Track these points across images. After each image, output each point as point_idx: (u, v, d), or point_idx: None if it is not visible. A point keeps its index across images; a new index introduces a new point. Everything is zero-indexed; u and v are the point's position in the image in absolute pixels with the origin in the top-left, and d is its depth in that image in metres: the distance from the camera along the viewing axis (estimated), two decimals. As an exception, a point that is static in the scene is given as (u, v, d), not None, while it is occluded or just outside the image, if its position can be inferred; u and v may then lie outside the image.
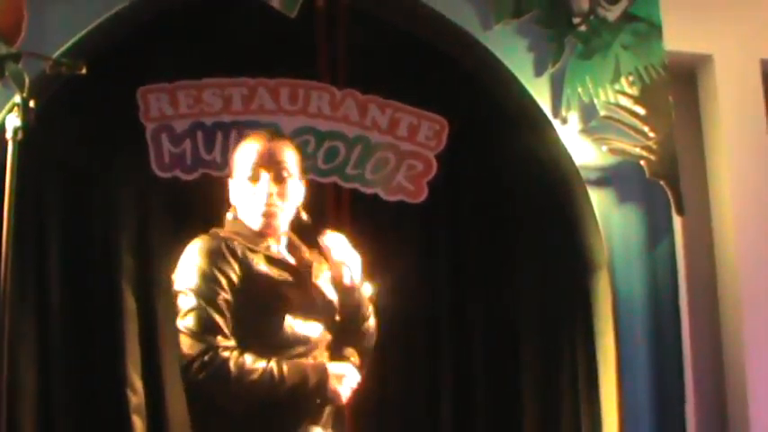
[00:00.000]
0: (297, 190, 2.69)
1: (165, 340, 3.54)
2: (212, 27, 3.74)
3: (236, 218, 2.67)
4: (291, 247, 2.72)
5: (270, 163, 2.62)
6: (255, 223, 2.61)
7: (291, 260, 2.67)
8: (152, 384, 3.56)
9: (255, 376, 2.41)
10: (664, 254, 4.05)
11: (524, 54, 3.97)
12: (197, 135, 3.74)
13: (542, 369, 3.94)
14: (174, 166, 3.72)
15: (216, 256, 2.50)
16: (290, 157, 2.66)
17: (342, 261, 2.64)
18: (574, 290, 3.98)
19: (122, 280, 3.58)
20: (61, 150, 3.56)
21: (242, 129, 3.71)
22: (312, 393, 2.49)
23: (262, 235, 2.62)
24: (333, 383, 2.52)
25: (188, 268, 2.52)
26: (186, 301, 2.48)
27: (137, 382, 3.53)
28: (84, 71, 3.42)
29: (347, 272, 2.64)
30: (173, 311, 2.54)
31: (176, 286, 2.53)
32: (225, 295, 2.46)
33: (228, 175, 2.74)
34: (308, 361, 2.54)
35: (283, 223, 2.66)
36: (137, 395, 3.53)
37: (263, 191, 2.59)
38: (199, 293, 2.46)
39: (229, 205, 2.71)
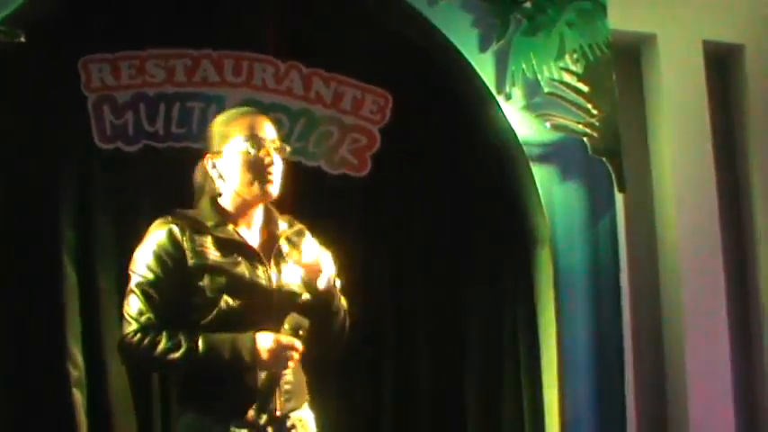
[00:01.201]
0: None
1: (106, 314, 3.52)
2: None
3: (208, 191, 2.73)
4: (268, 223, 2.75)
5: (265, 136, 2.71)
6: (252, 190, 2.67)
7: (251, 240, 2.70)
8: (93, 358, 3.53)
9: (178, 354, 2.50)
10: (605, 230, 4.11)
11: (469, 29, 3.99)
12: (139, 106, 3.70)
13: (485, 344, 3.97)
14: (116, 137, 3.67)
15: (160, 241, 2.60)
16: (273, 133, 2.76)
17: (315, 264, 2.66)
18: (516, 264, 4.01)
19: (63, 252, 3.54)
20: (1, 120, 3.50)
21: (185, 100, 3.69)
22: (239, 361, 2.53)
23: (223, 212, 2.68)
24: (262, 351, 2.54)
25: (140, 252, 2.63)
26: (132, 280, 2.60)
27: (77, 355, 3.50)
28: (22, 39, 3.47)
29: (323, 276, 2.66)
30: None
31: (130, 267, 2.63)
32: (162, 279, 2.57)
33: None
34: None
35: (275, 192, 2.72)
36: (77, 369, 3.49)
37: (265, 162, 2.67)
38: (138, 277, 2.59)
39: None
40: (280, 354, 2.56)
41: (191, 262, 2.58)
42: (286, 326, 2.61)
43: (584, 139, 4.01)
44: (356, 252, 3.76)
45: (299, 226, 2.81)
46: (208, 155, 2.72)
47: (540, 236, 3.99)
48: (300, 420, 2.67)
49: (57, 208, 3.58)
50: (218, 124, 2.75)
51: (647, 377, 4.24)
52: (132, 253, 2.64)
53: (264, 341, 2.54)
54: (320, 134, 3.85)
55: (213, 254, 2.61)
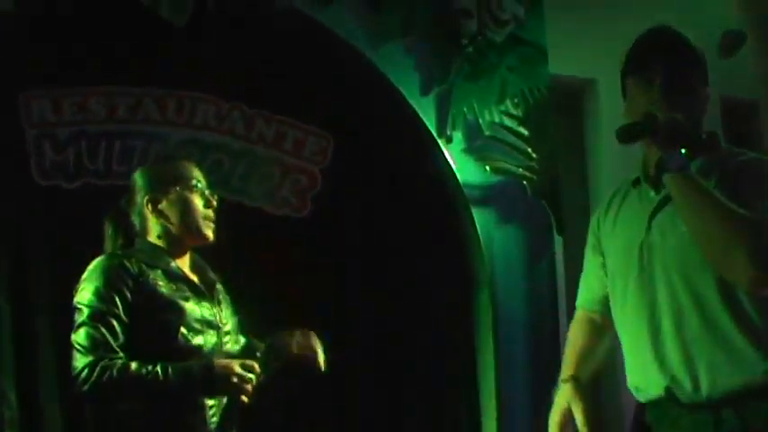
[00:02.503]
0: None
1: (42, 356, 3.46)
2: (98, 33, 3.67)
3: (143, 233, 2.84)
4: (195, 267, 2.89)
5: (202, 182, 2.88)
6: (193, 232, 2.82)
7: (194, 278, 2.83)
8: (27, 400, 3.46)
9: (140, 381, 2.54)
10: (544, 272, 4.15)
11: (411, 73, 4.04)
12: (80, 143, 3.67)
13: (424, 387, 3.96)
14: (56, 173, 3.63)
15: (112, 274, 2.65)
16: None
17: (311, 347, 2.83)
18: (456, 307, 4.01)
19: (-1, 296, 3.49)
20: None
21: (127, 138, 3.67)
22: (200, 388, 2.63)
23: (165, 251, 2.80)
24: (221, 378, 2.62)
25: (85, 285, 2.66)
26: (79, 316, 2.62)
27: (11, 395, 3.44)
28: None
29: (319, 359, 2.84)
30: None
31: (74, 301, 2.66)
32: (117, 311, 2.61)
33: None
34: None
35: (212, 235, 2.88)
36: (11, 409, 3.43)
37: (202, 206, 2.84)
38: (91, 309, 2.60)
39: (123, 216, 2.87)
40: (239, 378, 2.62)
41: (144, 294, 2.64)
42: (240, 346, 2.76)
43: (524, 182, 4.05)
44: (297, 292, 3.78)
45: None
46: (148, 196, 2.82)
47: (479, 278, 4.01)
48: None
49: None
50: (156, 168, 2.91)
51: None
52: (72, 290, 2.66)
53: (223, 366, 2.62)
54: (262, 174, 3.84)
55: (165, 287, 2.69)
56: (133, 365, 2.55)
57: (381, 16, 3.99)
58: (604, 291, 2.66)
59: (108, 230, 2.93)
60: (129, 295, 2.62)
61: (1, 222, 3.54)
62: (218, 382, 2.61)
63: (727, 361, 2.32)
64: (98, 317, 2.59)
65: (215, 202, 2.87)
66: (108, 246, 2.88)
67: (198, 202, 2.83)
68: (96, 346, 2.56)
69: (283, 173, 3.87)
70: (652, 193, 2.48)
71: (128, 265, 2.67)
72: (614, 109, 4.40)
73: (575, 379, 2.70)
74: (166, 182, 2.83)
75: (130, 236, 2.88)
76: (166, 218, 2.80)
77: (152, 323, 2.63)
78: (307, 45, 3.92)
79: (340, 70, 3.96)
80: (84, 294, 2.63)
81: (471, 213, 4.01)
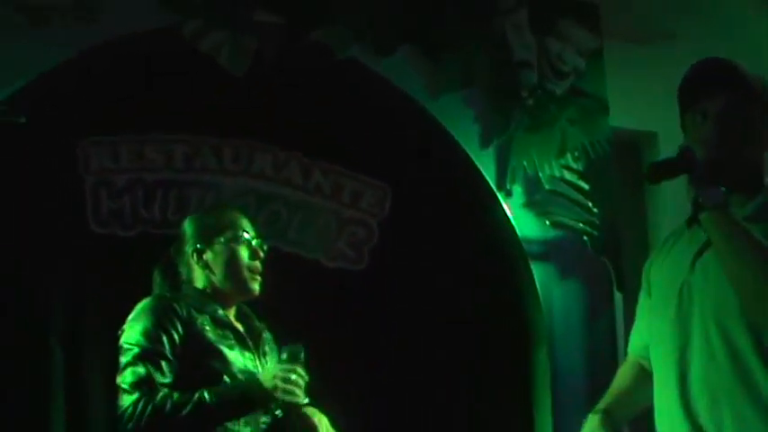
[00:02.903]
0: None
1: (94, 401, 3.42)
2: (157, 81, 3.67)
3: (189, 282, 2.83)
4: (241, 315, 2.87)
5: (250, 232, 2.87)
6: (237, 286, 2.80)
7: (239, 327, 2.80)
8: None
9: (187, 408, 2.51)
10: (604, 329, 4.05)
11: (470, 125, 3.99)
12: (137, 191, 3.66)
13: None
14: (112, 221, 3.62)
15: (160, 313, 2.65)
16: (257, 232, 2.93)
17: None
18: (514, 363, 3.93)
19: (51, 338, 3.45)
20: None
21: (183, 187, 3.65)
22: (250, 402, 2.59)
23: (212, 298, 2.78)
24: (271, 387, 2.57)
25: (132, 324, 2.67)
26: (126, 356, 2.62)
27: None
28: (23, 120, 3.45)
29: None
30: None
31: (120, 341, 2.67)
32: (164, 351, 2.60)
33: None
34: None
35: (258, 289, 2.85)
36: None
37: (248, 258, 2.81)
38: (139, 349, 2.60)
39: (171, 265, 2.89)
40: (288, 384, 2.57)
41: (191, 337, 2.62)
42: (284, 356, 2.64)
43: (585, 237, 3.99)
44: (353, 346, 3.73)
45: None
46: (197, 245, 2.81)
47: (537, 334, 3.93)
48: None
49: (48, 292, 3.50)
50: (203, 218, 2.92)
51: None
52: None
53: (269, 377, 2.58)
54: (318, 226, 3.80)
55: (211, 333, 2.67)
56: (175, 395, 2.53)
57: (440, 67, 3.95)
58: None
59: (156, 278, 2.94)
60: (176, 336, 2.61)
61: (57, 269, 3.53)
62: (259, 391, 2.58)
63: (754, 414, 2.21)
64: (145, 356, 2.57)
65: (263, 254, 2.84)
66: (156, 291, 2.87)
67: (243, 253, 2.81)
68: (141, 384, 2.55)
69: (340, 225, 3.82)
70: (702, 233, 2.35)
71: (176, 306, 2.67)
72: None
73: (605, 412, 2.60)
74: (212, 232, 2.82)
75: (178, 285, 2.87)
76: (211, 270, 2.79)
77: (197, 368, 2.61)
78: (365, 95, 3.90)
79: (398, 121, 3.92)
80: (131, 334, 2.63)
81: (530, 269, 3.94)
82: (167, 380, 2.57)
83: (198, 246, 2.82)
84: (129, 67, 3.66)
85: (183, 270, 2.87)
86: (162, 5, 3.66)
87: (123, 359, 2.62)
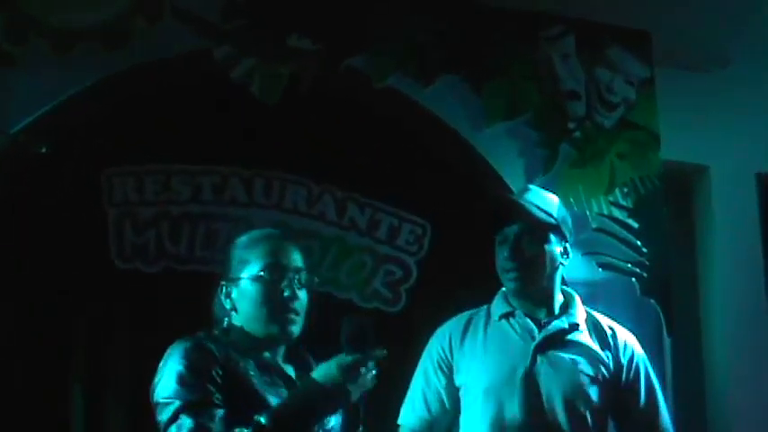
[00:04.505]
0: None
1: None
2: (184, 111, 3.52)
3: (230, 322, 2.43)
4: (293, 354, 2.50)
5: (288, 265, 2.44)
6: (267, 328, 2.39)
7: (290, 369, 2.46)
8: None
9: None
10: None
11: (515, 158, 3.85)
12: (162, 225, 3.50)
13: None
14: (135, 256, 3.46)
15: (194, 359, 2.27)
16: (301, 261, 2.49)
17: None
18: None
19: (72, 380, 3.33)
20: (14, 233, 3.31)
21: (211, 221, 3.49)
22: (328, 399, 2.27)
23: (259, 341, 2.40)
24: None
25: (165, 374, 2.29)
26: (167, 411, 2.24)
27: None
28: (44, 150, 3.31)
29: None
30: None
31: (155, 397, 2.28)
32: (210, 399, 2.22)
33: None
34: None
35: (296, 331, 2.44)
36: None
37: (283, 295, 2.39)
38: (180, 402, 2.22)
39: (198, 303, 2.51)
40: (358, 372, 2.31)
41: (233, 385, 2.26)
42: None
43: (633, 278, 3.81)
44: (388, 391, 3.55)
45: None
46: (222, 281, 2.45)
47: (584, 381, 3.73)
48: None
49: (67, 329, 3.36)
50: (238, 246, 2.49)
51: None
52: (147, 378, 2.33)
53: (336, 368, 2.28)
54: (353, 264, 3.64)
55: (256, 379, 2.32)
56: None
57: (484, 98, 3.81)
58: (436, 414, 2.85)
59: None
60: (218, 381, 2.25)
61: (77, 306, 3.39)
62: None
63: None
64: (188, 407, 2.20)
65: (297, 291, 2.42)
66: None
67: (273, 289, 2.39)
68: None
69: (376, 262, 3.67)
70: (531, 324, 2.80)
71: (212, 348, 2.30)
72: (726, 196, 4.26)
73: None
74: (241, 261, 2.43)
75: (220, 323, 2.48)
76: (234, 308, 2.42)
77: (240, 419, 2.22)
78: (405, 127, 3.75)
79: (439, 154, 3.77)
80: (166, 385, 2.25)
81: (576, 312, 3.73)
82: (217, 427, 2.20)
83: (226, 279, 2.44)
84: (155, 94, 3.54)
85: (215, 309, 2.49)
86: (191, 30, 3.53)
87: (162, 417, 2.25)
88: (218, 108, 3.55)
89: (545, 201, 2.85)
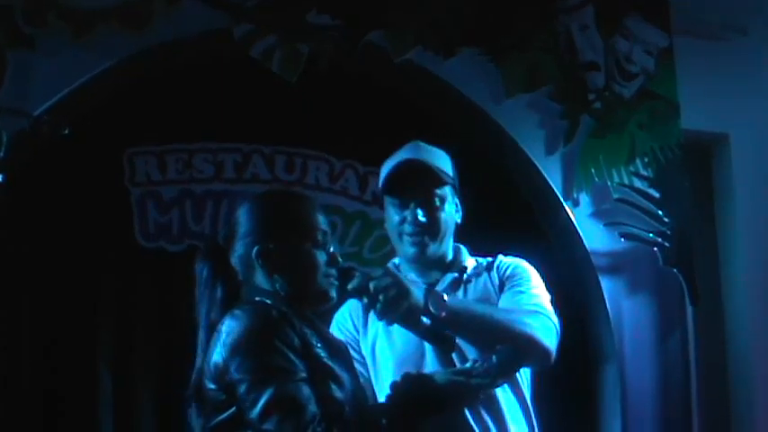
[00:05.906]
0: None
1: (143, 424, 3.36)
2: (204, 90, 3.52)
3: (282, 285, 2.22)
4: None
5: (327, 230, 2.29)
6: (314, 296, 2.22)
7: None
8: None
9: None
10: (675, 345, 3.91)
11: (535, 130, 3.84)
12: (185, 204, 3.52)
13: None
14: (159, 235, 3.48)
15: (272, 327, 2.07)
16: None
17: None
18: (582, 381, 3.76)
19: (99, 359, 3.34)
20: (39, 214, 3.32)
21: (234, 199, 3.47)
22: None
23: (306, 306, 2.24)
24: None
25: (241, 348, 2.05)
26: (255, 390, 2.02)
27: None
28: (66, 131, 3.31)
29: None
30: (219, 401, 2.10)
31: (232, 375, 2.05)
32: (299, 373, 2.04)
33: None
34: None
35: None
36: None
37: (325, 264, 2.23)
38: (270, 376, 2.03)
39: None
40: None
41: (312, 357, 2.08)
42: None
43: (655, 248, 3.80)
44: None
45: None
46: (255, 246, 2.22)
47: (606, 352, 3.74)
48: None
49: (93, 309, 3.38)
50: (267, 208, 2.34)
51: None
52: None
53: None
54: (376, 239, 3.62)
55: (324, 352, 2.13)
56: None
57: (504, 70, 3.78)
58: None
59: (200, 276, 2.33)
60: (301, 353, 2.05)
61: (102, 286, 3.41)
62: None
63: None
64: (280, 380, 2.00)
65: (339, 259, 2.27)
66: (202, 295, 2.28)
67: (320, 258, 2.21)
68: (294, 412, 1.97)
69: (398, 237, 3.64)
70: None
71: (288, 316, 2.09)
72: (746, 165, 4.23)
73: None
74: (282, 229, 2.25)
75: (231, 286, 2.27)
76: (281, 272, 2.19)
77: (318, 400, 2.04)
78: (424, 101, 3.73)
79: (460, 127, 3.75)
80: (247, 360, 2.02)
81: (599, 282, 3.76)
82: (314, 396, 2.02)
83: (263, 245, 2.21)
84: (175, 73, 3.53)
85: (237, 267, 2.26)
86: (210, 9, 3.51)
87: (252, 394, 2.01)
88: (238, 86, 3.53)
89: (440, 158, 2.74)
